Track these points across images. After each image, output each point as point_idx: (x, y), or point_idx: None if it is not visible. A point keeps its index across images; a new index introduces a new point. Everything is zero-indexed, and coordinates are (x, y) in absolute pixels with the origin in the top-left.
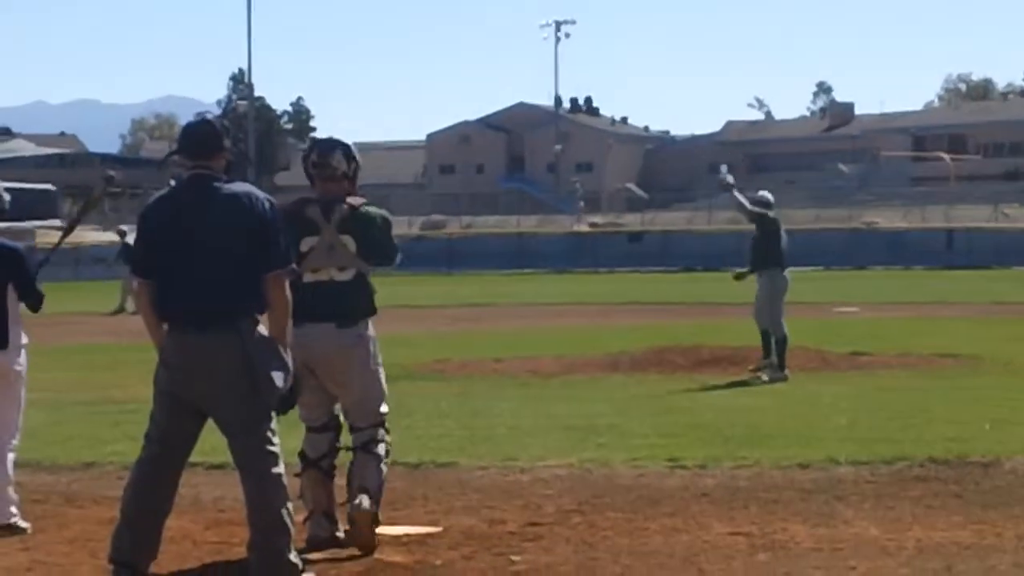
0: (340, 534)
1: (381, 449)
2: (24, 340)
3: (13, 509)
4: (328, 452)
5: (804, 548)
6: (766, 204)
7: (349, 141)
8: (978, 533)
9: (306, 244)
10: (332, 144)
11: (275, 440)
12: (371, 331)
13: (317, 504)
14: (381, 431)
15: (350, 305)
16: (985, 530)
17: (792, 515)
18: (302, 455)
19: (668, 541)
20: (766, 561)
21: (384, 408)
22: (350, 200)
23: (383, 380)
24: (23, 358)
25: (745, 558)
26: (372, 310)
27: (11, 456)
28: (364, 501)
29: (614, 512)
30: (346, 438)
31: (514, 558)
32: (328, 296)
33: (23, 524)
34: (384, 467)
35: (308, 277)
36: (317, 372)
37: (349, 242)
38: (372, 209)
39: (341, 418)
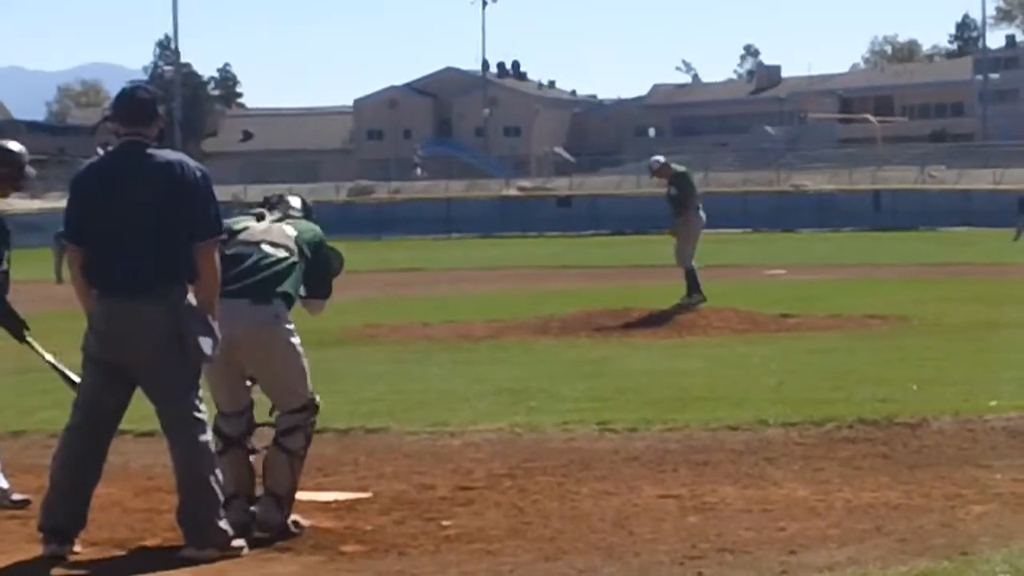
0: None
1: (297, 441)
2: None
3: None
4: (247, 429)
5: (734, 510)
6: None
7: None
8: (906, 493)
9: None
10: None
11: (202, 408)
12: (289, 315)
13: (240, 486)
14: (307, 414)
15: (271, 282)
16: (913, 490)
17: (722, 477)
18: (218, 432)
19: (599, 504)
20: (696, 523)
21: (308, 391)
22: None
23: (304, 363)
24: None
25: (676, 520)
26: (292, 299)
27: None
28: (274, 519)
29: (544, 476)
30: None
31: (444, 523)
32: (249, 270)
33: None
34: (297, 463)
35: (231, 249)
36: (235, 352)
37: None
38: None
39: (252, 396)
